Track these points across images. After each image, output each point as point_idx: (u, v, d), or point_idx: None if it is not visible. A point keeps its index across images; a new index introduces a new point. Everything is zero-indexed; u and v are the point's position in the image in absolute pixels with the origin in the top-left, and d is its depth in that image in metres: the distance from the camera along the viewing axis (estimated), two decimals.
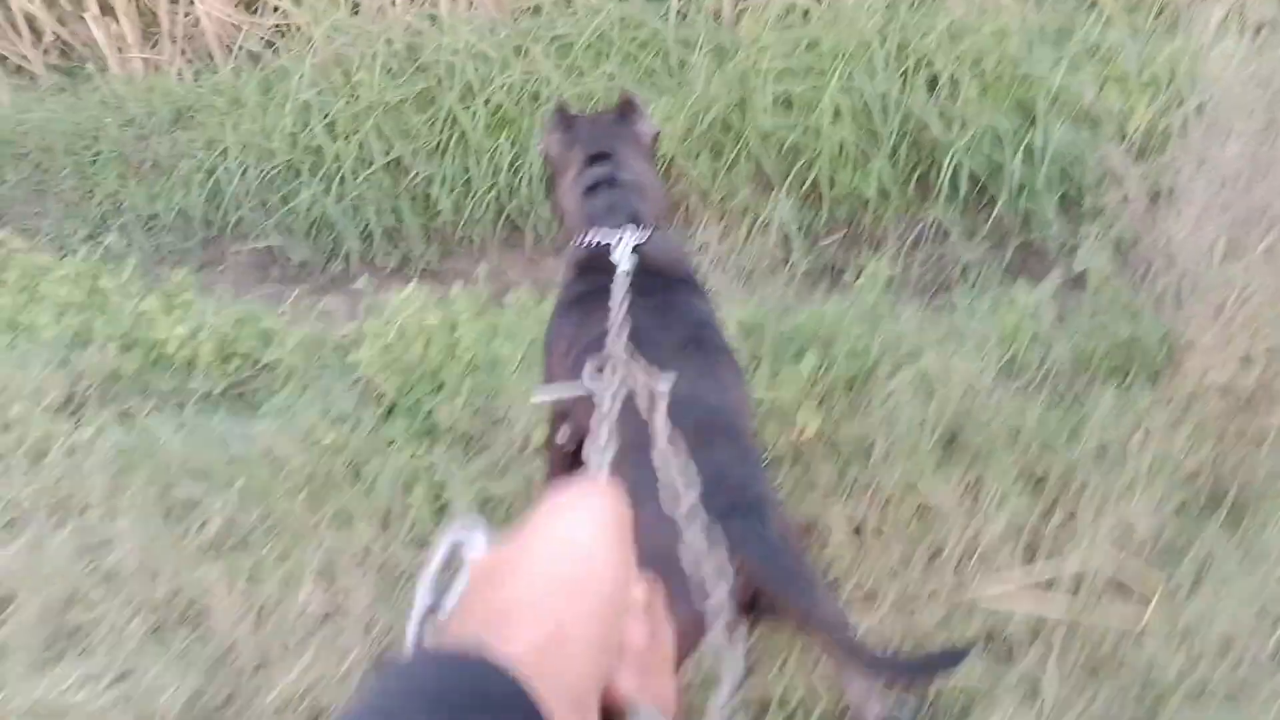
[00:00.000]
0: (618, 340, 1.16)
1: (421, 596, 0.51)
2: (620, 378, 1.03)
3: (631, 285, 1.69)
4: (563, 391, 1.73)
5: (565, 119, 2.25)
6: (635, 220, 2.04)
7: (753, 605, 1.62)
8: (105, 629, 2.20)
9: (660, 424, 0.99)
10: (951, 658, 1.80)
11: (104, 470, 2.41)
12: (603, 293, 1.72)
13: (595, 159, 2.16)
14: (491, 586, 0.49)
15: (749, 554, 1.54)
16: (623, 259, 1.85)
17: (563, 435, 2.02)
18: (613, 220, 2.04)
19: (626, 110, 2.24)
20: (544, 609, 0.47)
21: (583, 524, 0.52)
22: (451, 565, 0.53)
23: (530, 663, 0.43)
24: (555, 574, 0.49)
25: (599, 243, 1.99)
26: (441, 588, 0.52)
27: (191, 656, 2.14)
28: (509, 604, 0.47)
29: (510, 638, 0.44)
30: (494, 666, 0.42)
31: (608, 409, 0.92)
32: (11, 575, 2.29)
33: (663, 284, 1.93)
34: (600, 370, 1.03)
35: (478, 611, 0.48)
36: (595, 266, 1.92)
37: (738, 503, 1.60)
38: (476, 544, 0.53)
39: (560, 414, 2.09)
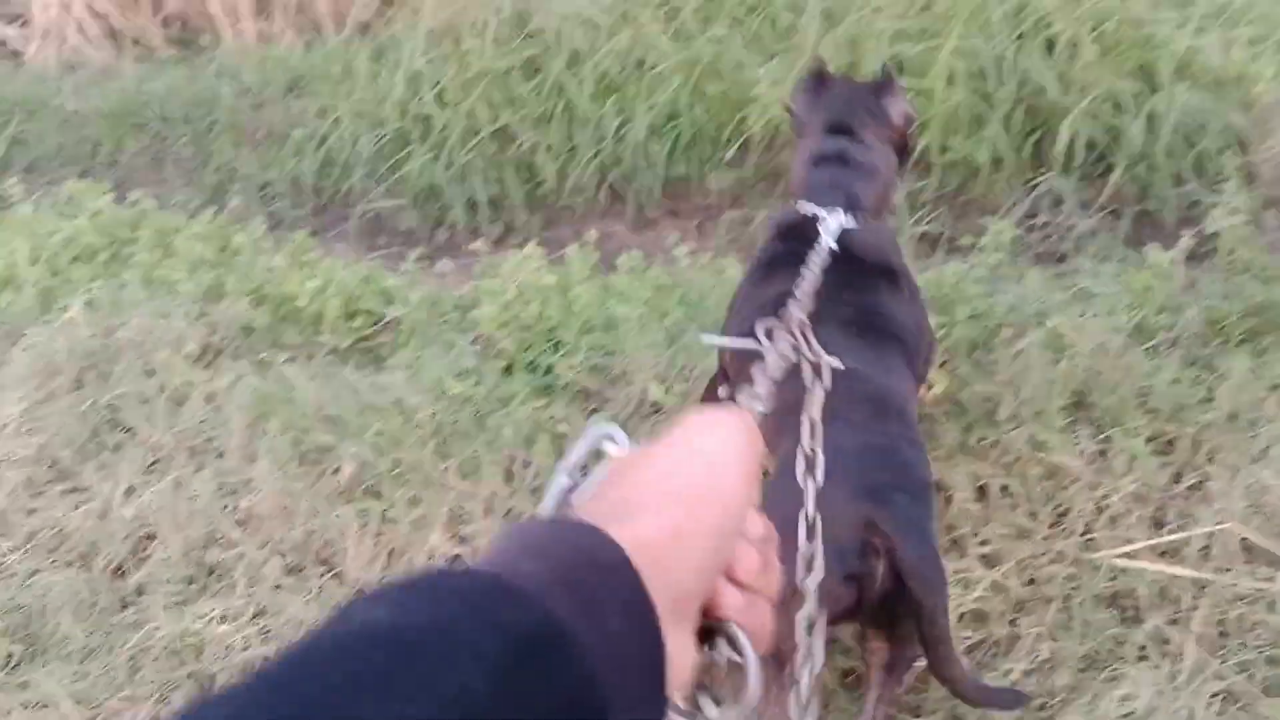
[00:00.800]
0: (798, 305, 1.14)
1: (559, 477, 0.55)
2: (789, 344, 1.01)
3: (828, 265, 1.64)
4: (734, 343, 1.73)
5: (818, 80, 2.14)
6: (852, 204, 1.95)
7: (885, 596, 1.54)
8: (243, 568, 2.30)
9: (818, 394, 0.99)
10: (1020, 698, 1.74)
11: (241, 416, 2.50)
12: (793, 259, 1.68)
13: (834, 130, 2.05)
14: (622, 482, 0.52)
15: (903, 541, 1.50)
16: (827, 237, 1.80)
17: (724, 392, 2.01)
18: (829, 199, 1.95)
19: (884, 86, 2.11)
20: (665, 509, 0.48)
21: (717, 441, 0.53)
22: (590, 458, 0.57)
23: (642, 553, 0.45)
24: (682, 480, 0.51)
25: (808, 214, 1.93)
26: (579, 474, 0.55)
27: (326, 596, 2.22)
28: (633, 499, 0.49)
29: (628, 526, 0.46)
30: (604, 535, 0.45)
31: (771, 367, 0.92)
32: (155, 514, 2.40)
33: (857, 270, 1.86)
34: (770, 333, 1.02)
35: (604, 501, 0.51)
36: (795, 234, 1.88)
37: (904, 483, 1.58)
38: (619, 441, 0.56)
39: (724, 370, 2.07)
